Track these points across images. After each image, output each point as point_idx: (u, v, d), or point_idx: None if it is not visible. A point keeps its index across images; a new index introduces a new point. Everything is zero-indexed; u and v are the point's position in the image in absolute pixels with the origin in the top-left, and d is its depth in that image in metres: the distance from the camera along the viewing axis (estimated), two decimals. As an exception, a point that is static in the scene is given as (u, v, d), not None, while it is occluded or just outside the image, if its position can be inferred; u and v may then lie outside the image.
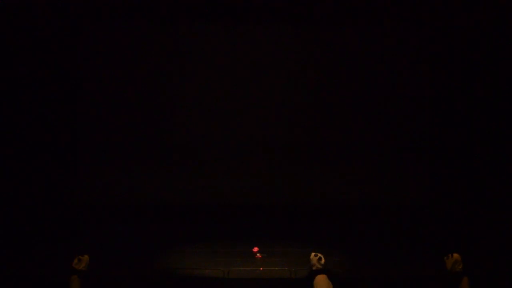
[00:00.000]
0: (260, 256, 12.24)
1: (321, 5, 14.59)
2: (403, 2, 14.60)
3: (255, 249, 12.54)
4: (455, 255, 8.31)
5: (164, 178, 14.94)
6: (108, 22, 14.94)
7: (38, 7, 14.15)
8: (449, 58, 14.77)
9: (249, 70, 15.09)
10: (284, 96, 15.12)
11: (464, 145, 14.62)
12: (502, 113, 14.28)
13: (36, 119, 14.33)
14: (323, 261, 8.51)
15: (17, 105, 14.20)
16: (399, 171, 15.03)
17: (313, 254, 8.61)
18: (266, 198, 14.94)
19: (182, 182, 14.93)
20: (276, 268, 11.26)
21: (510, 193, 13.86)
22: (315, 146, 15.09)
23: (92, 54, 14.96)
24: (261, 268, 11.37)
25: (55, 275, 10.54)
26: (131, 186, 14.84)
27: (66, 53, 14.68)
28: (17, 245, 12.59)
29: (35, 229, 13.55)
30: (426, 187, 14.98)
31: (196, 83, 15.10)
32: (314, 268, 8.47)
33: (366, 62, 15.08)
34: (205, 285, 10.54)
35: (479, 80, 14.49)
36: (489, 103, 14.43)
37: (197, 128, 15.08)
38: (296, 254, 12.32)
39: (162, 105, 15.08)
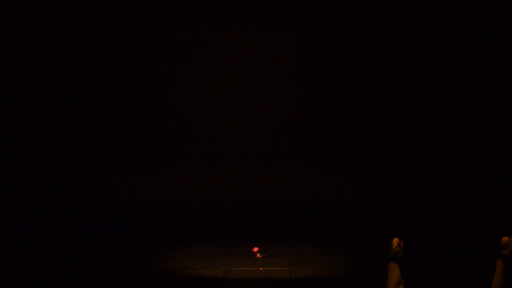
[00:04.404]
0: (260, 256, 12.24)
1: (321, 5, 14.60)
2: (403, 2, 14.62)
3: (255, 249, 12.54)
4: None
5: (164, 178, 14.94)
6: (108, 22, 14.94)
7: (38, 7, 14.15)
8: (449, 58, 14.78)
9: (249, 70, 15.09)
10: (284, 96, 15.13)
11: (464, 145, 14.63)
12: (502, 113, 14.30)
13: (36, 119, 14.32)
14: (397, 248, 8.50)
15: (17, 105, 14.20)
16: (399, 171, 15.03)
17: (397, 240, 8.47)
18: (266, 198, 14.94)
19: (182, 182, 14.93)
20: (276, 268, 11.26)
21: (510, 193, 13.87)
22: (315, 146, 15.09)
23: (92, 54, 14.97)
24: (261, 268, 11.37)
25: (55, 275, 10.56)
26: (131, 186, 14.84)
27: (66, 53, 14.68)
28: (17, 245, 12.58)
29: (35, 229, 13.54)
30: (426, 187, 14.98)
31: (196, 84, 15.10)
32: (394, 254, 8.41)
33: (366, 62, 15.08)
34: (205, 285, 10.55)
35: (479, 80, 14.50)
36: (489, 103, 14.44)
37: (197, 128, 15.07)
38: (296, 254, 12.34)
39: (162, 105, 15.08)
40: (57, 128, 14.56)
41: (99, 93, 14.99)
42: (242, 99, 15.12)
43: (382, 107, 15.11)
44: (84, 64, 14.97)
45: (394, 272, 8.11)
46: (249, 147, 15.06)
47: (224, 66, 15.13)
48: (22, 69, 14.21)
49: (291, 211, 14.89)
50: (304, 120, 15.14)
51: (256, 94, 15.13)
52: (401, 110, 15.12)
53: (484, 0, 14.16)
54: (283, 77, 15.15)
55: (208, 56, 15.12)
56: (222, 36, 15.13)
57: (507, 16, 14.02)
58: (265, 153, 15.06)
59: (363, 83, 15.13)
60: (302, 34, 15.18)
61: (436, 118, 14.97)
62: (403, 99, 15.13)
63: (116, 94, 14.99)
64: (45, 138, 14.38)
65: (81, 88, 14.96)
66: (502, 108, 14.31)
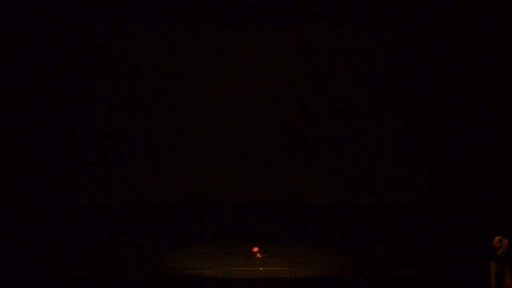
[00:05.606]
0: (260, 256, 12.25)
1: (321, 5, 14.61)
2: (403, 2, 14.62)
3: (255, 249, 12.55)
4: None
5: (164, 178, 14.94)
6: (108, 22, 14.94)
7: (38, 7, 14.15)
8: (449, 58, 14.78)
9: (249, 70, 15.10)
10: (284, 96, 15.13)
11: (464, 145, 14.63)
12: (502, 113, 14.29)
13: (36, 119, 14.32)
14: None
15: (17, 105, 14.20)
16: (399, 171, 15.03)
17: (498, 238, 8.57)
18: (266, 198, 14.94)
19: (182, 182, 14.93)
20: (276, 268, 11.27)
21: (510, 193, 13.87)
22: (315, 146, 15.10)
23: (92, 54, 14.97)
24: (261, 268, 11.38)
25: (55, 275, 10.56)
26: (131, 186, 14.84)
27: (66, 53, 14.68)
28: (17, 245, 12.59)
29: (35, 229, 13.55)
30: (426, 187, 14.98)
31: (196, 84, 15.11)
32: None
33: (366, 62, 15.08)
34: (205, 285, 10.55)
35: (479, 80, 14.51)
36: (489, 103, 14.44)
37: (197, 128, 15.08)
38: (296, 254, 12.34)
39: (162, 105, 15.08)
40: (57, 128, 14.56)
41: (99, 93, 14.98)
42: (242, 99, 15.12)
43: (382, 107, 15.11)
44: (84, 64, 14.97)
45: (492, 270, 8.14)
46: (249, 147, 15.06)
47: (224, 66, 15.13)
48: (22, 69, 14.21)
49: (291, 211, 14.89)
50: (304, 120, 15.14)
51: (256, 94, 15.13)
52: (401, 110, 15.12)
53: (484, 0, 14.16)
54: (283, 77, 15.15)
55: (208, 56, 15.12)
56: (222, 36, 15.13)
57: (507, 16, 14.02)
58: (265, 153, 15.06)
59: (363, 83, 15.13)
60: (302, 34, 15.18)
61: (436, 118, 14.97)
62: (403, 99, 15.13)
63: (116, 94, 14.99)
64: (45, 138, 14.38)
65: (81, 88, 14.96)
66: (502, 108, 14.31)
